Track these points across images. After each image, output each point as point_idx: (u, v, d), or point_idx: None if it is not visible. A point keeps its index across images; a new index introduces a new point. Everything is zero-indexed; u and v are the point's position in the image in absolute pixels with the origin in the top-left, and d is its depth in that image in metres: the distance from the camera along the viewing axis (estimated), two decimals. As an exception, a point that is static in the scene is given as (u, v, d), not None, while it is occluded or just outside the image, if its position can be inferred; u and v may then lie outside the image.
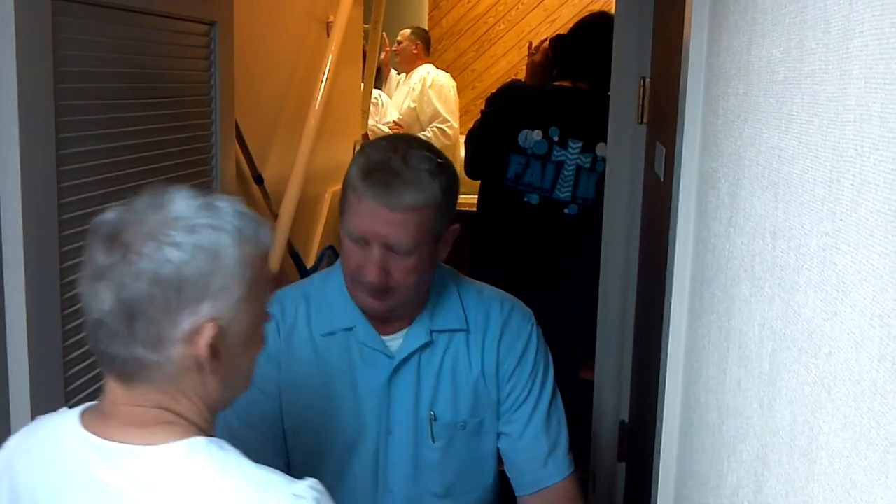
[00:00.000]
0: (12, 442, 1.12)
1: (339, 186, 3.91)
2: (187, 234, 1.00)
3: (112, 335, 1.01)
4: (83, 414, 1.08)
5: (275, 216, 3.09)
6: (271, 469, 1.05)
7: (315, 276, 1.72)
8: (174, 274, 0.98)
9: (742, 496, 0.81)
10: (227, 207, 1.05)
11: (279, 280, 3.13)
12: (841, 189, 0.56)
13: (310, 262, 3.43)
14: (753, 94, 0.84)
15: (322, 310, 1.57)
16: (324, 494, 1.04)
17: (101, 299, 1.00)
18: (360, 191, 1.42)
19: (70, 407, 1.11)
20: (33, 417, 1.18)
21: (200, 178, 2.16)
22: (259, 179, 2.96)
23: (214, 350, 1.02)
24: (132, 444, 1.02)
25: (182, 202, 1.03)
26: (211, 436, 1.06)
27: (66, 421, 1.08)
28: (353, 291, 1.50)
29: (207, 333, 1.01)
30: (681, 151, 1.23)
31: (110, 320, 1.00)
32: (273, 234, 1.11)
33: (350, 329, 1.55)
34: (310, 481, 1.04)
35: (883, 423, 0.49)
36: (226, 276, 1.01)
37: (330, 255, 3.51)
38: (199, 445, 1.02)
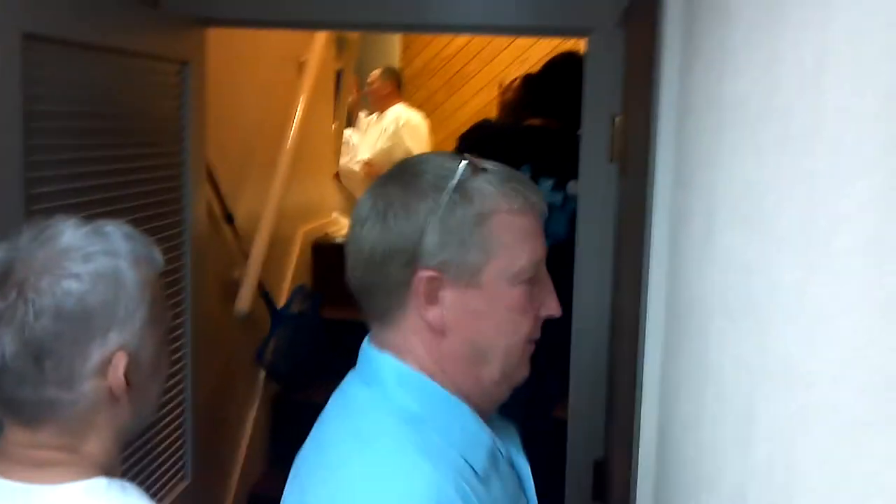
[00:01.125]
0: None
1: (311, 225, 3.90)
2: (84, 264, 0.97)
3: (19, 379, 0.96)
4: None
5: (246, 256, 3.07)
6: None
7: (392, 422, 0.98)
8: (77, 306, 0.95)
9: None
10: (116, 231, 1.02)
11: (251, 322, 3.10)
12: (815, 221, 0.56)
13: (280, 303, 3.40)
14: (726, 129, 0.85)
15: (464, 443, 0.98)
16: None
17: (2, 344, 0.95)
18: (514, 199, 0.99)
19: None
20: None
21: (170, 217, 2.14)
22: (230, 219, 2.94)
23: (133, 379, 1.00)
24: (29, 482, 0.98)
25: (69, 232, 1.00)
26: (114, 474, 1.03)
27: None
28: (520, 367, 1.04)
29: (120, 363, 0.98)
30: (653, 187, 1.23)
31: (16, 364, 0.96)
32: (155, 248, 1.08)
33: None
34: None
35: (863, 455, 0.49)
36: (128, 300, 0.98)
37: (300, 294, 3.49)
38: (100, 487, 0.99)
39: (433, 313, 0.97)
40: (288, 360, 3.36)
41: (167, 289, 2.09)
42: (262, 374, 3.36)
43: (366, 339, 1.04)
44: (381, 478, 0.90)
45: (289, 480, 1.02)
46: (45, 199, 1.56)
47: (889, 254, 0.45)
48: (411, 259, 0.95)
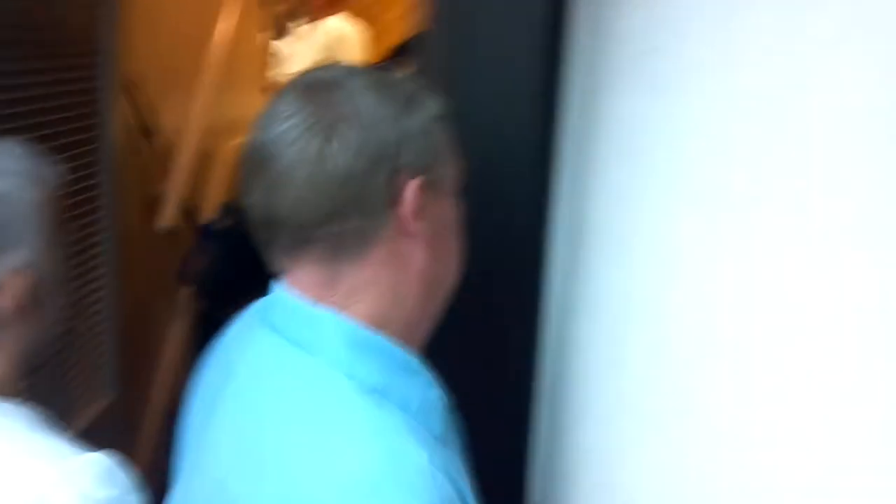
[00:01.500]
0: None
1: (240, 140, 3.83)
2: None
3: None
4: None
5: (169, 170, 3.01)
6: (57, 439, 0.96)
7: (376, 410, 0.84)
8: None
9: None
10: (9, 151, 1.00)
11: (176, 238, 3.07)
12: (682, 163, 0.57)
13: (204, 220, 3.36)
14: (619, 62, 0.85)
15: (423, 410, 0.86)
16: (113, 470, 0.95)
17: None
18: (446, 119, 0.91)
19: None
20: None
21: (85, 132, 2.09)
22: (151, 133, 2.88)
23: (31, 299, 0.99)
24: None
25: None
26: (8, 393, 1.00)
27: None
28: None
29: (17, 284, 0.97)
30: (567, 120, 1.23)
31: None
32: (53, 165, 1.05)
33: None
34: (94, 455, 0.95)
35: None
36: (24, 221, 0.97)
37: (228, 210, 3.44)
38: None
39: (419, 230, 0.84)
40: (214, 276, 3.33)
41: (85, 205, 2.06)
42: (188, 290, 3.33)
43: (283, 294, 0.87)
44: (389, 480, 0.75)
45: (234, 466, 0.84)
46: None
47: (736, 176, 0.46)
48: (395, 169, 0.82)
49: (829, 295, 0.36)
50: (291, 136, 0.81)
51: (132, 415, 2.85)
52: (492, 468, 0.86)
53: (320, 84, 0.85)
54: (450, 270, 0.90)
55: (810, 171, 0.37)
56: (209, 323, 3.48)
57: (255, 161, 0.84)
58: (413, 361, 0.86)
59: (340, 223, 0.81)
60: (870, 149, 0.34)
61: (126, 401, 2.49)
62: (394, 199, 0.82)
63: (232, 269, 3.38)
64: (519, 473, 1.31)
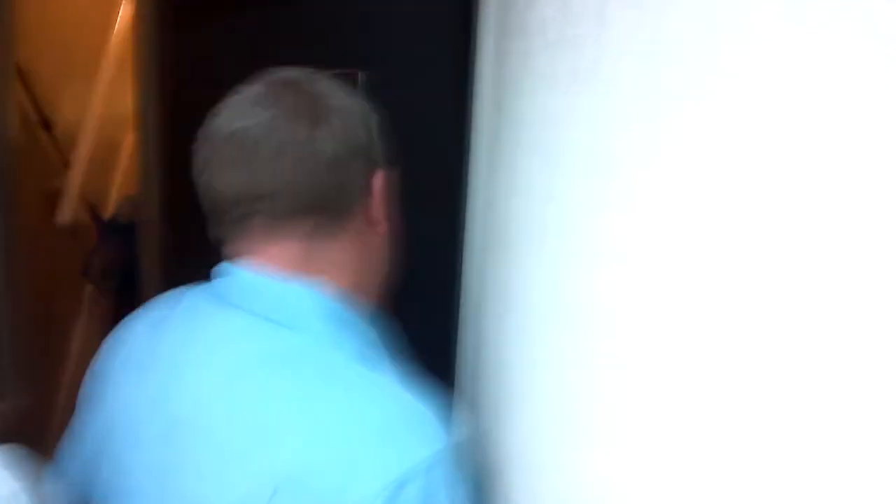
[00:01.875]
0: None
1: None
2: None
3: None
4: None
5: (68, 165, 2.90)
6: None
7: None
8: None
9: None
10: None
11: (77, 234, 2.96)
12: (601, 159, 0.57)
13: (107, 214, 3.25)
14: (531, 55, 0.84)
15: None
16: (15, 463, 0.93)
17: None
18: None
19: None
20: None
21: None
22: (48, 125, 2.77)
23: None
24: None
25: None
26: None
27: None
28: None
29: None
30: (479, 116, 1.22)
31: None
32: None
33: None
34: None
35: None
36: None
37: (129, 203, 3.35)
38: None
39: (380, 217, 0.93)
40: (117, 273, 3.23)
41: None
42: (91, 288, 3.23)
43: (246, 273, 0.90)
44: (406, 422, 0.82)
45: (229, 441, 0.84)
46: None
47: (660, 172, 0.45)
48: (370, 160, 0.92)
49: (748, 286, 0.36)
50: (277, 123, 0.87)
51: (37, 415, 2.75)
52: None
53: (291, 80, 0.92)
54: (393, 256, 0.99)
55: (741, 165, 0.37)
56: (116, 319, 3.39)
57: (233, 145, 0.87)
58: (376, 337, 0.93)
59: (324, 205, 0.88)
60: (797, 142, 0.34)
61: (30, 401, 2.40)
62: (366, 188, 0.91)
63: (134, 265, 3.30)
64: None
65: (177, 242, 2.07)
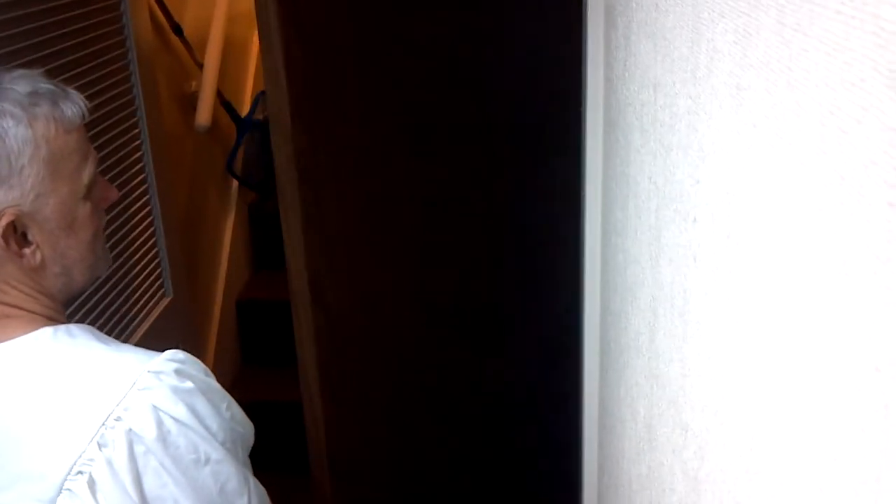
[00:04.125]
0: None
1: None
2: None
3: None
4: None
5: (201, 66, 2.98)
6: (128, 347, 1.02)
7: None
8: None
9: (641, 342, 0.83)
10: (16, 85, 0.99)
11: (213, 134, 3.06)
12: (699, 52, 0.54)
13: (244, 111, 3.34)
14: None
15: None
16: (188, 362, 1.02)
17: None
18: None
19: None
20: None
21: (112, 36, 2.06)
22: (178, 30, 2.83)
23: (21, 238, 1.00)
24: None
25: None
26: (57, 320, 1.04)
27: None
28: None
29: (2, 222, 0.97)
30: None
31: None
32: (76, 100, 1.04)
33: None
34: (169, 353, 1.01)
35: (738, 295, 0.49)
36: (13, 159, 0.96)
37: (264, 101, 3.42)
38: (45, 336, 1.01)
39: None
40: (259, 168, 3.35)
41: (120, 110, 2.06)
42: (236, 184, 3.36)
43: None
44: None
45: None
46: None
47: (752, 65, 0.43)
48: None
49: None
50: None
51: (195, 310, 2.92)
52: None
53: None
54: None
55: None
56: (261, 212, 3.55)
57: None
58: None
59: None
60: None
61: (187, 297, 2.54)
62: None
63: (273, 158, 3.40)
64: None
65: (306, 142, 2.11)
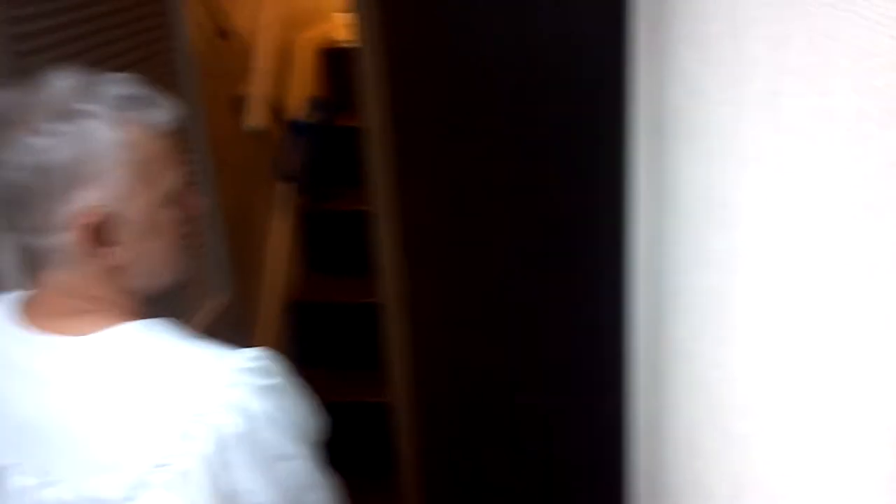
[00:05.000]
0: None
1: (313, 32, 3.80)
2: (51, 121, 0.96)
3: (8, 223, 1.01)
4: (17, 303, 1.09)
5: (249, 71, 3.02)
6: (210, 343, 1.03)
7: None
8: (37, 161, 0.95)
9: (684, 348, 0.83)
10: (110, 89, 1.00)
11: (267, 136, 3.10)
12: (739, 59, 0.54)
13: (293, 115, 3.38)
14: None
15: None
16: (269, 360, 1.03)
17: None
18: None
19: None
20: None
21: (161, 41, 2.10)
22: (225, 34, 2.88)
23: (104, 238, 1.01)
24: (60, 335, 1.03)
25: (57, 85, 0.98)
26: (140, 314, 1.05)
27: (1, 309, 1.09)
28: None
29: (84, 220, 0.99)
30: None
31: (1, 207, 1.00)
32: (166, 107, 1.05)
33: None
34: (252, 350, 1.02)
35: (773, 299, 0.49)
36: (101, 161, 0.98)
37: (315, 105, 3.46)
38: (129, 330, 1.02)
39: None
40: (310, 171, 3.38)
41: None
42: (289, 187, 3.40)
43: None
44: None
45: None
46: (31, 23, 1.55)
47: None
48: None
49: None
50: None
51: (251, 309, 2.96)
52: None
53: None
54: None
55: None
56: (312, 214, 3.58)
57: None
58: None
59: None
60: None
61: (242, 297, 2.58)
62: None
63: (322, 161, 3.43)
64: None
65: (400, 147, 2.15)
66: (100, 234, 1.00)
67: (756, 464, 0.52)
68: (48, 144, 0.95)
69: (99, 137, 0.97)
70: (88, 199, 0.98)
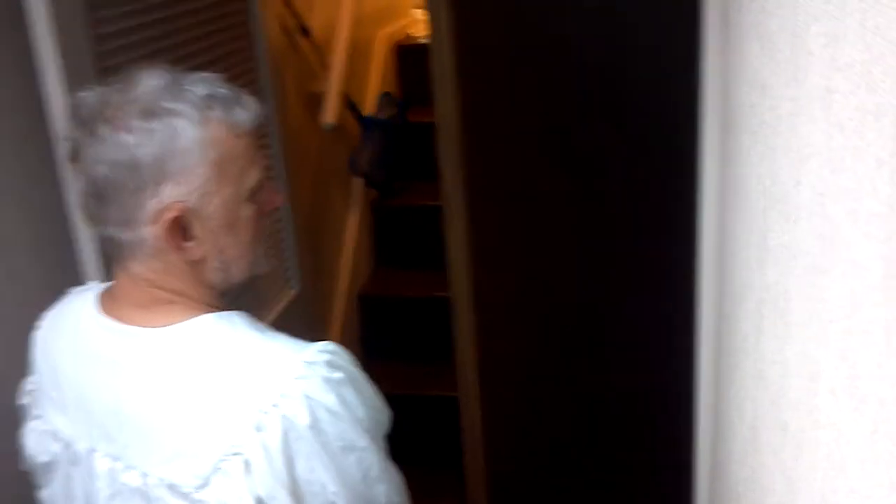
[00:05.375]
0: (49, 313, 1.19)
1: (391, 28, 3.84)
2: (141, 118, 0.99)
3: (93, 216, 1.05)
4: (102, 294, 1.13)
5: (327, 67, 3.07)
6: (282, 336, 1.06)
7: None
8: (127, 157, 0.99)
9: (749, 344, 0.83)
10: (196, 88, 1.03)
11: (339, 133, 3.15)
12: (798, 55, 0.54)
13: (367, 111, 3.42)
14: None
15: None
16: (338, 353, 1.06)
17: (78, 181, 1.03)
18: None
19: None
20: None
21: (241, 39, 2.16)
22: (305, 31, 2.93)
23: (184, 232, 1.04)
24: (139, 325, 1.06)
25: (145, 83, 1.02)
26: (216, 307, 1.09)
27: (86, 300, 1.13)
28: None
29: (168, 215, 1.02)
30: None
31: (88, 200, 1.04)
32: (249, 106, 1.09)
33: None
34: (321, 344, 1.05)
35: (830, 296, 0.49)
36: (185, 157, 1.01)
37: (387, 101, 3.50)
38: (207, 322, 1.06)
39: None
40: (381, 166, 3.42)
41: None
42: (359, 181, 3.44)
43: None
44: None
45: None
46: (112, 22, 1.60)
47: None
48: None
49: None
50: None
51: (320, 302, 3.01)
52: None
53: None
54: None
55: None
56: (383, 209, 3.63)
57: None
58: None
59: None
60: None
61: (312, 290, 2.63)
62: None
63: (395, 157, 3.47)
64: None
65: (470, 143, 2.17)
66: (181, 228, 1.04)
67: (808, 459, 0.53)
68: (139, 141, 1.00)
69: (186, 135, 1.01)
70: (173, 195, 1.02)
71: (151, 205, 1.02)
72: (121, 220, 1.03)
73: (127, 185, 1.00)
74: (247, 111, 1.07)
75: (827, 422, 0.48)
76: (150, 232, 1.03)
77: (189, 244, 1.06)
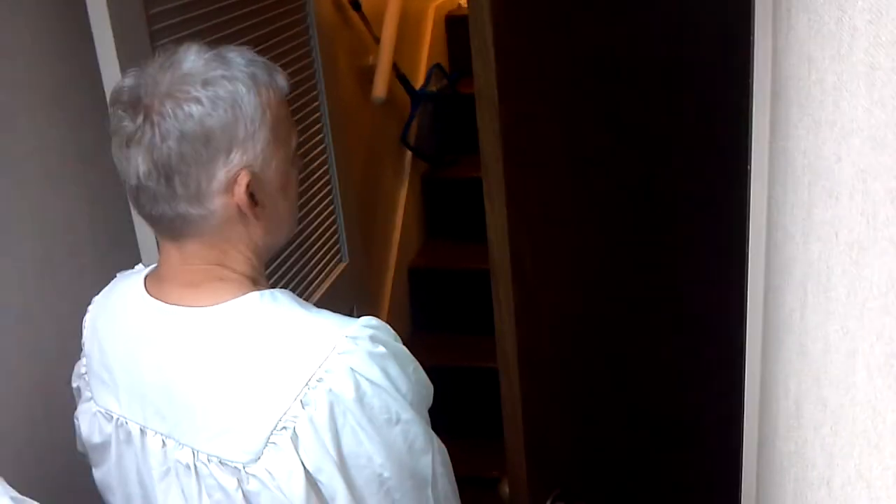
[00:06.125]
0: (99, 297, 1.23)
1: (440, 1, 3.82)
2: (203, 88, 1.02)
3: (154, 197, 1.06)
4: (148, 276, 1.16)
5: (378, 41, 3.08)
6: (325, 312, 1.09)
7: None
8: (199, 128, 1.01)
9: (794, 319, 0.82)
10: (237, 57, 1.06)
11: (389, 106, 3.16)
12: (843, 29, 0.54)
13: (418, 84, 3.43)
14: None
15: None
16: (381, 328, 1.08)
17: (135, 164, 1.04)
18: None
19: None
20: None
21: (294, 13, 2.17)
22: (356, 5, 2.94)
23: (252, 197, 1.06)
24: (188, 306, 1.09)
25: (192, 58, 1.04)
26: (260, 283, 1.12)
27: (134, 283, 1.16)
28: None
29: (243, 181, 1.04)
30: None
31: (149, 183, 1.04)
32: (282, 72, 1.12)
33: None
34: (364, 319, 1.08)
35: (871, 273, 0.49)
36: (248, 122, 1.03)
37: (437, 73, 3.50)
38: (252, 301, 1.08)
39: None
40: (432, 139, 3.43)
41: (304, 83, 2.17)
42: (409, 154, 3.46)
43: None
44: None
45: None
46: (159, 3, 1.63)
47: None
48: None
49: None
50: None
51: (370, 275, 3.04)
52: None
53: None
54: None
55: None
56: (433, 182, 3.64)
57: None
58: None
59: None
60: None
61: (361, 262, 2.65)
62: None
63: (446, 130, 3.47)
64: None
65: (512, 119, 2.16)
66: (252, 194, 1.07)
67: (845, 436, 0.53)
68: (208, 111, 1.02)
69: (247, 101, 1.04)
70: (241, 162, 1.05)
71: (222, 174, 1.04)
72: (190, 196, 1.04)
73: (199, 157, 1.02)
74: (283, 76, 1.10)
75: (863, 399, 0.48)
76: (220, 202, 1.05)
77: (259, 210, 1.08)
